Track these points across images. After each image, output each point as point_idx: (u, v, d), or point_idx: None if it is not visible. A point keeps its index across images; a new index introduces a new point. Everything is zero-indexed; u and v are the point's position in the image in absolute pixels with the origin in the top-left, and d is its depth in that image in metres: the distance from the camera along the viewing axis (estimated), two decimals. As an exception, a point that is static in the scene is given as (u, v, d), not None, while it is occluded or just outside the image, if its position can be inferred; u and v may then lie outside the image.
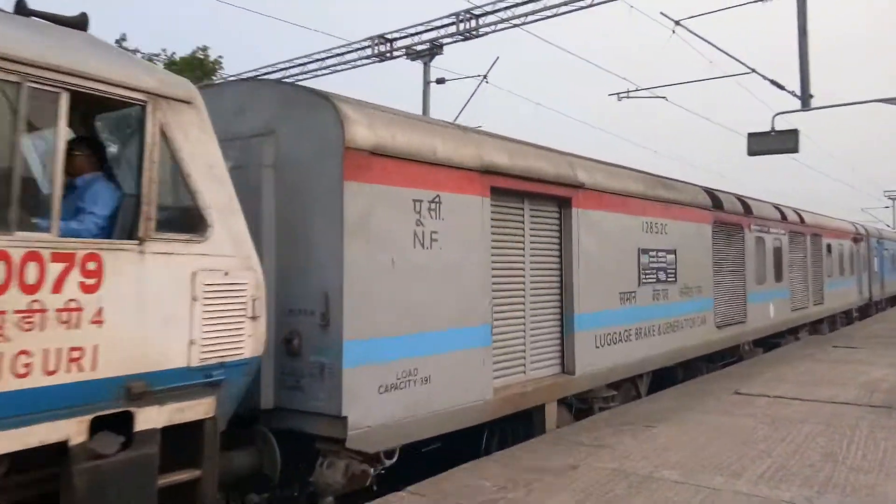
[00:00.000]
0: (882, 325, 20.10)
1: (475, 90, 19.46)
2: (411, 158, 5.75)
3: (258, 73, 22.37)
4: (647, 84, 23.76)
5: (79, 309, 3.60)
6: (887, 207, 52.47)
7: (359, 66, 21.77)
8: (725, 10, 14.27)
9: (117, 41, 23.83)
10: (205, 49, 28.21)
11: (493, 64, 19.42)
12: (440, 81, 21.31)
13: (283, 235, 5.33)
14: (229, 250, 4.39)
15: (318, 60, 22.17)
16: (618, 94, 18.94)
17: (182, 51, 28.97)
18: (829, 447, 6.68)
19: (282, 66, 22.74)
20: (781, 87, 13.59)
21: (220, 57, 29.15)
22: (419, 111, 19.91)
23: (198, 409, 4.22)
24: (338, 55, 21.77)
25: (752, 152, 11.21)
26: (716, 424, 7.66)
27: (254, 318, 4.48)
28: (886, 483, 5.59)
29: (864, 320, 22.38)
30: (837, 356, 13.21)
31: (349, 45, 21.50)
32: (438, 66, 21.15)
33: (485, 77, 19.65)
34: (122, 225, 4.07)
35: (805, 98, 12.55)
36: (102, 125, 4.89)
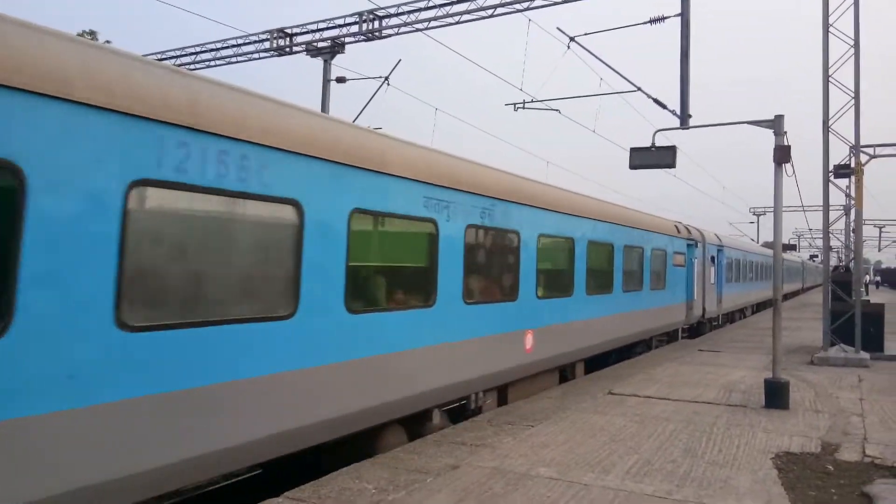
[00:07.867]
0: (744, 330, 21.90)
1: (376, 91, 19.38)
2: None
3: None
4: (543, 97, 24.61)
5: None
6: (752, 223, 57.20)
7: (255, 59, 21.13)
8: (617, 29, 15.06)
9: None
10: (92, 33, 26.39)
11: (395, 66, 19.46)
12: (340, 80, 21.01)
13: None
14: None
15: (212, 51, 21.32)
16: (514, 104, 19.48)
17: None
18: (690, 444, 7.21)
19: (172, 54, 21.68)
20: (663, 106, 14.49)
21: (108, 42, 27.43)
22: (318, 109, 19.58)
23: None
24: (234, 46, 21.04)
25: (633, 166, 11.82)
26: (590, 423, 8.07)
27: None
28: (738, 476, 6.11)
29: (727, 326, 24.31)
30: (703, 359, 14.27)
31: (247, 36, 20.84)
32: (340, 64, 20.91)
33: (386, 79, 19.62)
34: None
35: (684, 117, 13.41)
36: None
